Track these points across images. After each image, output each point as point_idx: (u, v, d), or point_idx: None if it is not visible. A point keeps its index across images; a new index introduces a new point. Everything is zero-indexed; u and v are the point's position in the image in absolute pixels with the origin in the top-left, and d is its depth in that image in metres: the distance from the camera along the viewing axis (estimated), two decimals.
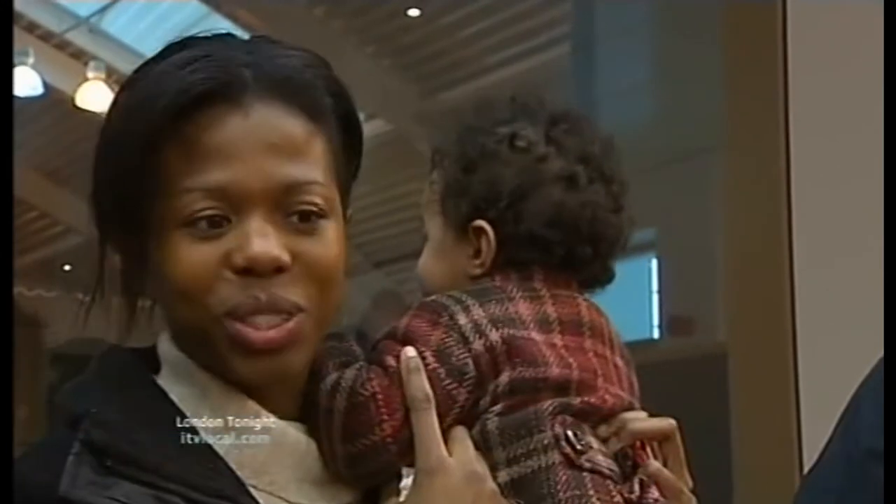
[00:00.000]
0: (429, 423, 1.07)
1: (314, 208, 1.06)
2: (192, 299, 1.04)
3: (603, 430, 1.13)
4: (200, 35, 1.11)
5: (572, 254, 1.19)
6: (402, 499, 1.09)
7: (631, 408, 1.16)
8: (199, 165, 1.03)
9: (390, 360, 1.10)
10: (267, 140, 1.04)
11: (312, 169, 1.07)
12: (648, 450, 1.16)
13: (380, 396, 1.08)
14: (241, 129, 1.04)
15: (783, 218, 2.52)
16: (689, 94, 3.47)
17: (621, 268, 1.25)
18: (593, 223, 1.19)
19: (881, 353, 1.34)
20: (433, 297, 1.15)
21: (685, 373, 3.10)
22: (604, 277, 1.23)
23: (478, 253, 1.20)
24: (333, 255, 1.08)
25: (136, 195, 1.05)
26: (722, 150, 2.83)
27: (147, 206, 1.04)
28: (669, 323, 3.74)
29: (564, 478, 1.08)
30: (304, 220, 1.06)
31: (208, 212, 1.03)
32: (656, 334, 3.85)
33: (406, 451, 1.08)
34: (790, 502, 1.43)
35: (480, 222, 1.20)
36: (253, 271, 1.03)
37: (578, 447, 1.09)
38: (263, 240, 1.03)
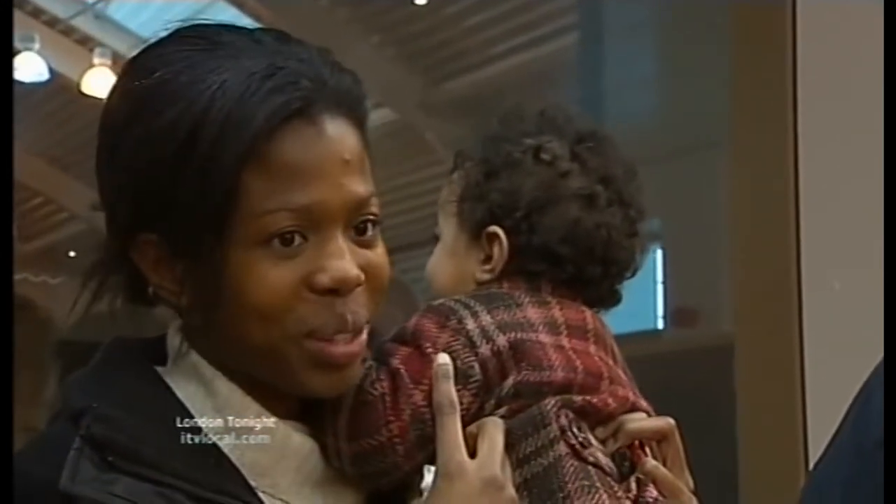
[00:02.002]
0: (452, 427, 1.07)
1: (373, 218, 1.07)
2: (270, 320, 1.03)
3: (600, 431, 1.14)
4: (222, 27, 1.07)
5: (582, 272, 1.19)
6: (423, 499, 1.10)
7: (634, 409, 1.16)
8: (281, 185, 1.01)
9: (396, 363, 1.10)
10: (340, 156, 1.04)
11: (370, 180, 1.08)
12: (647, 449, 1.16)
13: (388, 398, 1.09)
14: (317, 147, 1.03)
15: (789, 209, 2.52)
16: (697, 86, 3.47)
17: None
18: (607, 245, 1.20)
19: None
20: (441, 301, 1.15)
21: (690, 364, 3.11)
22: (610, 299, 1.24)
23: (488, 259, 1.21)
24: (388, 264, 1.09)
25: (208, 215, 1.01)
26: (728, 143, 2.83)
27: (217, 226, 1.01)
28: (674, 314, 3.74)
29: (572, 469, 1.08)
30: (363, 232, 1.07)
31: (289, 230, 1.02)
32: (661, 325, 3.85)
33: (412, 452, 1.09)
34: (795, 494, 1.44)
35: (495, 228, 1.20)
36: (337, 291, 1.04)
37: (580, 439, 1.10)
38: (344, 260, 1.04)
